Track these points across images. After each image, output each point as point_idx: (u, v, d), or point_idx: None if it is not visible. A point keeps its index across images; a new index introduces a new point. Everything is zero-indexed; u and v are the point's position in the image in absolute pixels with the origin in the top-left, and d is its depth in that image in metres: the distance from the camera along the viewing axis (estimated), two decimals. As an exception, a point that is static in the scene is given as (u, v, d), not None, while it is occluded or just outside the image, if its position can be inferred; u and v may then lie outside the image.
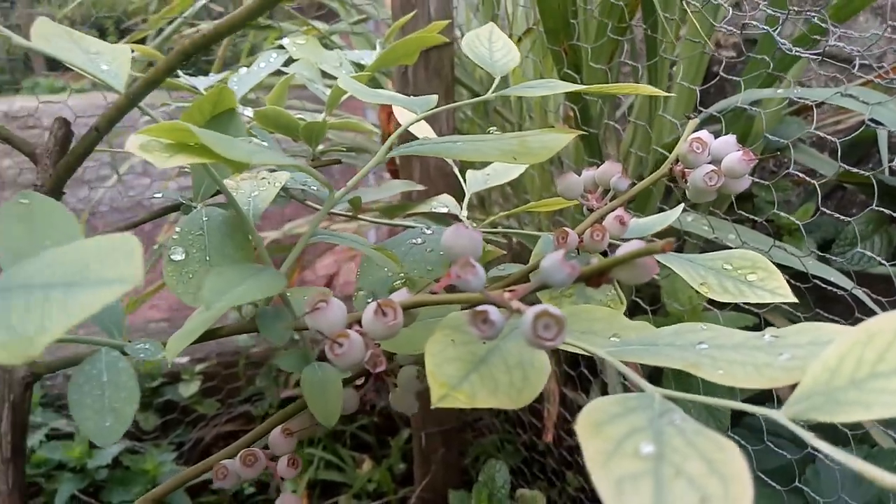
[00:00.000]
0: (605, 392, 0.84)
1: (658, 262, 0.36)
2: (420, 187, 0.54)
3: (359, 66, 0.66)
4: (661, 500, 0.19)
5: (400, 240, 0.42)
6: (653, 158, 0.71)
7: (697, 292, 0.83)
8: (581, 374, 0.89)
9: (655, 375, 0.83)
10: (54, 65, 3.31)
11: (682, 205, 0.46)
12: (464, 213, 0.48)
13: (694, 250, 0.78)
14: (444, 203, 0.50)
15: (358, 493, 1.19)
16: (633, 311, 0.87)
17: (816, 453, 0.67)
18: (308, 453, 1.24)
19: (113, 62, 0.34)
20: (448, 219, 0.49)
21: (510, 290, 0.24)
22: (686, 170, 0.38)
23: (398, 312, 0.25)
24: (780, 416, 0.22)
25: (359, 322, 0.26)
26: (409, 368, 0.38)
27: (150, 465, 1.02)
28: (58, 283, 0.19)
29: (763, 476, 0.68)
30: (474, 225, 0.46)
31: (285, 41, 0.63)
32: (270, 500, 1.21)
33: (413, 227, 0.44)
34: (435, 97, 0.40)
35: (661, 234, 0.37)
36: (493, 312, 0.22)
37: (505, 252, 0.43)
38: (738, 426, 0.81)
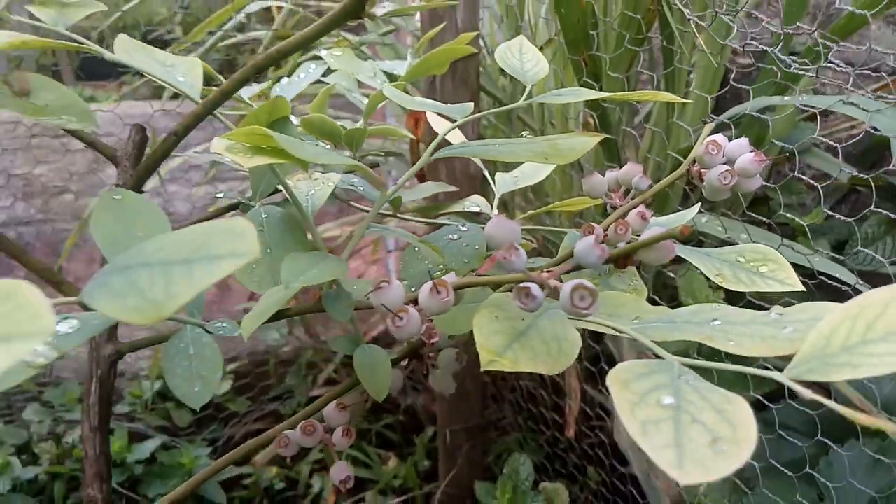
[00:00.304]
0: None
1: (678, 257, 0.40)
2: (452, 188, 0.57)
3: (391, 77, 0.70)
4: (680, 440, 0.22)
5: (438, 235, 0.46)
6: (670, 163, 0.75)
7: (714, 289, 0.86)
8: (602, 371, 0.93)
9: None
10: (81, 76, 3.39)
11: (699, 204, 0.49)
12: (495, 212, 0.51)
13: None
14: (475, 203, 0.54)
15: (384, 489, 1.23)
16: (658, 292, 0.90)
17: (830, 444, 0.70)
18: (336, 451, 1.28)
19: (187, 74, 0.38)
20: (479, 218, 0.53)
21: (547, 272, 0.27)
22: (702, 170, 0.42)
23: (450, 291, 0.28)
24: (783, 377, 0.26)
25: (415, 301, 0.29)
26: (449, 351, 0.42)
27: (187, 459, 1.07)
28: (177, 261, 0.23)
29: (777, 465, 0.71)
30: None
31: (323, 53, 0.67)
32: (299, 496, 1.25)
33: (449, 224, 0.48)
34: (471, 105, 0.44)
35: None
36: (535, 288, 0.26)
37: (535, 245, 0.47)
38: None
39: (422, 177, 0.97)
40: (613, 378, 0.24)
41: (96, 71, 3.49)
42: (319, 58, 0.69)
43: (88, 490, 0.36)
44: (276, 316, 0.34)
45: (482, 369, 0.27)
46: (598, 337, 0.97)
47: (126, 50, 0.38)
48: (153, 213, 0.33)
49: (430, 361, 0.42)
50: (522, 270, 0.27)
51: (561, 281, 0.26)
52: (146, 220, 0.33)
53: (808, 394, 0.25)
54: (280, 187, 0.43)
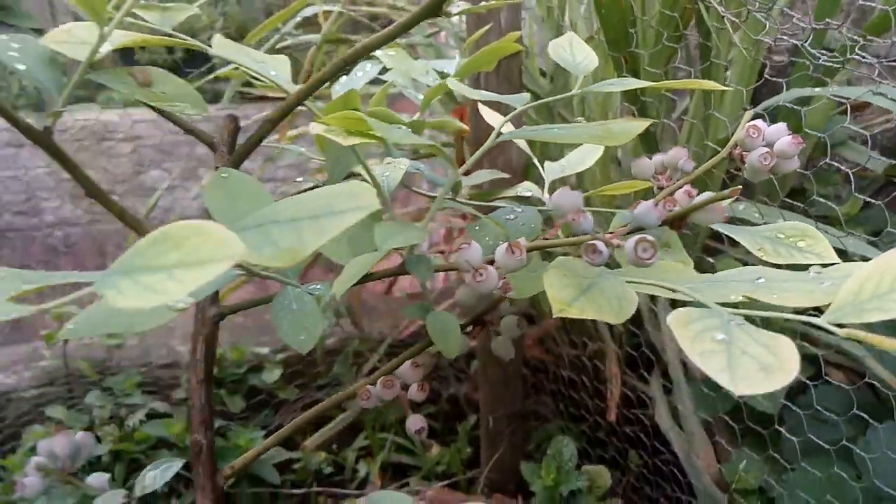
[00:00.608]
0: (665, 374, 0.90)
1: (721, 234, 0.43)
2: (505, 175, 0.62)
3: (441, 74, 0.75)
4: (732, 365, 0.26)
5: (496, 215, 0.50)
6: (708, 153, 0.78)
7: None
8: (643, 356, 0.96)
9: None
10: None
11: (739, 186, 0.53)
12: (547, 196, 0.56)
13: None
14: (527, 188, 0.58)
15: (427, 474, 1.28)
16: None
17: (868, 420, 0.72)
18: (381, 438, 1.33)
19: (278, 69, 0.43)
20: (531, 201, 0.57)
21: (609, 234, 0.32)
22: (744, 153, 0.46)
23: (523, 251, 0.33)
24: (822, 321, 0.29)
25: (491, 262, 0.34)
26: (511, 318, 0.46)
27: (243, 440, 1.12)
28: (304, 217, 0.28)
29: (816, 441, 0.74)
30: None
31: (379, 53, 0.72)
32: (346, 480, 1.30)
33: (504, 207, 0.52)
34: (527, 95, 0.48)
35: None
36: (601, 245, 0.30)
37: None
38: (793, 402, 0.87)
39: (462, 163, 1.02)
40: (674, 320, 0.28)
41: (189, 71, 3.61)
42: (374, 58, 0.74)
43: (195, 435, 0.41)
44: (364, 279, 0.39)
45: (553, 316, 0.31)
46: (639, 325, 1.00)
47: (224, 47, 0.43)
48: (254, 187, 0.38)
49: (493, 328, 0.47)
50: (589, 231, 0.31)
51: (627, 237, 0.30)
52: (248, 193, 0.38)
53: (843, 333, 0.29)
54: (357, 170, 0.48)
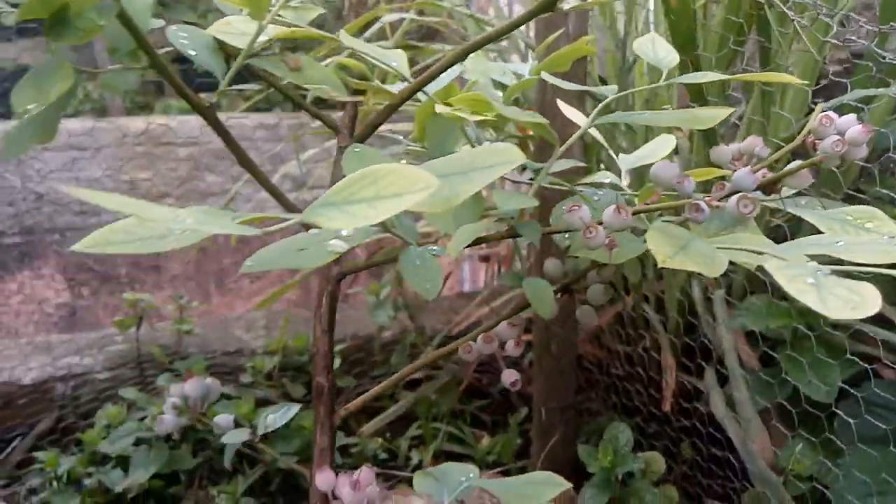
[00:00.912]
0: (721, 363, 0.94)
1: (792, 214, 0.47)
2: (583, 164, 0.67)
3: (516, 75, 0.80)
4: (823, 299, 0.31)
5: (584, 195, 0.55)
6: (771, 148, 0.82)
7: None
8: (695, 347, 1.00)
9: (768, 356, 0.92)
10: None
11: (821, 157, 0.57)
12: (625, 182, 0.60)
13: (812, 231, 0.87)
14: (606, 175, 0.62)
15: (478, 463, 1.32)
16: (745, 291, 0.97)
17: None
18: (434, 427, 1.37)
19: (398, 60, 0.49)
20: (608, 186, 0.62)
21: (708, 197, 0.36)
22: (816, 140, 0.50)
23: (629, 212, 0.37)
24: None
25: (600, 222, 0.38)
26: (598, 286, 0.51)
27: (307, 422, 1.18)
28: (455, 173, 0.33)
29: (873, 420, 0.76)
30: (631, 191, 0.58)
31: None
32: (398, 467, 1.35)
33: (584, 191, 0.57)
34: (615, 87, 0.53)
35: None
36: (703, 204, 0.34)
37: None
38: (846, 398, 0.89)
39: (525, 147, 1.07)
40: (772, 267, 0.33)
41: (193, 84, 3.74)
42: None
43: (318, 378, 0.47)
44: (476, 242, 0.44)
45: (658, 266, 0.35)
46: (692, 328, 1.04)
47: (351, 40, 0.49)
48: (381, 158, 0.44)
49: (580, 297, 0.51)
50: (690, 194, 0.36)
51: (722, 201, 0.35)
52: (377, 162, 0.43)
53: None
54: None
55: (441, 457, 1.36)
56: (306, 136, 2.01)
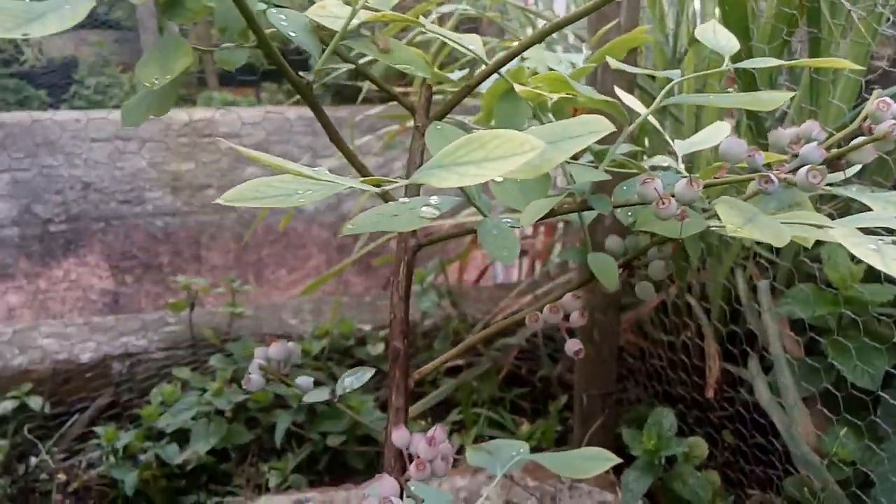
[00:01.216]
0: (765, 351, 0.95)
1: (842, 202, 0.49)
2: (638, 148, 0.69)
3: (572, 64, 0.83)
4: (885, 262, 0.33)
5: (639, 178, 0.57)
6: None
7: (855, 263, 0.94)
8: (738, 337, 1.01)
9: (812, 344, 0.93)
10: (225, 81, 3.71)
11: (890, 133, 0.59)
12: (681, 166, 0.63)
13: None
14: (664, 159, 0.65)
15: (519, 448, 1.35)
16: (790, 281, 0.98)
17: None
18: (475, 413, 1.41)
19: (475, 44, 0.52)
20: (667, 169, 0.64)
21: (777, 169, 0.39)
22: (872, 125, 0.52)
23: (700, 184, 0.40)
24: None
25: (672, 195, 0.41)
26: (658, 262, 0.53)
27: (355, 402, 1.22)
28: (546, 142, 0.35)
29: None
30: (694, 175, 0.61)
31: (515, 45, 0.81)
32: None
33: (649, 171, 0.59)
34: (678, 71, 0.55)
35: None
36: (773, 176, 0.37)
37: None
38: (890, 387, 0.90)
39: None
40: (838, 235, 0.35)
41: (235, 78, 3.82)
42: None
43: (394, 342, 0.50)
44: (548, 215, 0.46)
45: (728, 234, 0.38)
46: (736, 317, 1.05)
47: (432, 27, 0.52)
48: (461, 134, 0.47)
49: (641, 272, 0.54)
50: (760, 167, 0.38)
51: (792, 174, 0.37)
52: (457, 138, 0.46)
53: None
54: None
55: (481, 441, 1.39)
56: (344, 132, 2.05)
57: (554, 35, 1.29)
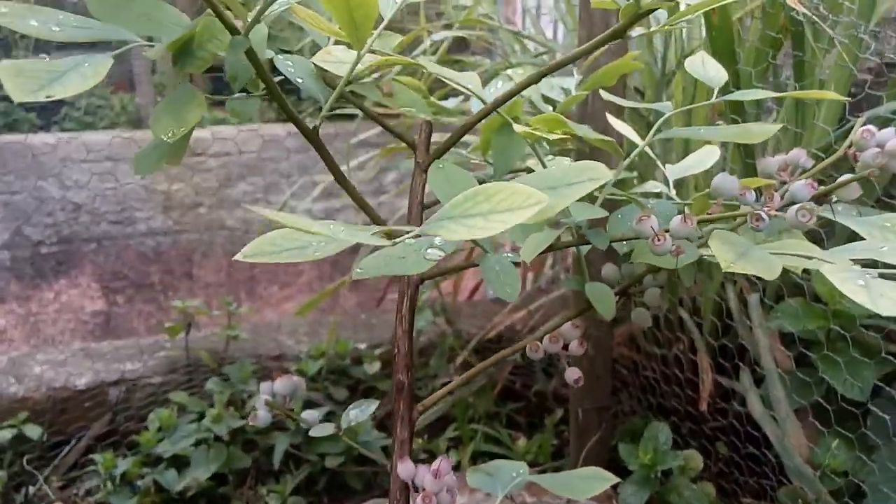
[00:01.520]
0: (757, 364, 0.97)
1: (826, 219, 0.51)
2: (634, 175, 0.71)
3: (564, 90, 0.84)
4: (873, 299, 0.34)
5: (634, 207, 0.59)
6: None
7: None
8: (730, 350, 1.03)
9: (802, 357, 0.95)
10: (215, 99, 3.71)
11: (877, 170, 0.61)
12: (673, 192, 0.64)
13: (843, 234, 0.90)
14: (656, 185, 0.67)
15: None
16: (779, 294, 1.00)
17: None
18: (471, 429, 1.42)
19: (472, 82, 0.53)
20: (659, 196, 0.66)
21: (767, 206, 0.40)
22: (857, 152, 0.54)
23: (694, 221, 0.42)
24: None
25: (666, 231, 0.43)
26: (654, 290, 0.55)
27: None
28: (543, 188, 0.37)
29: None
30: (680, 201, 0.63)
31: (509, 72, 0.82)
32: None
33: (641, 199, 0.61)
34: (670, 104, 0.57)
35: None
36: (764, 214, 0.39)
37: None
38: (880, 397, 0.92)
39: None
40: (828, 270, 0.37)
41: (223, 92, 3.82)
42: (506, 76, 0.84)
43: (398, 376, 0.51)
44: (548, 249, 0.48)
45: (723, 270, 0.39)
46: (728, 331, 1.07)
47: (433, 66, 0.53)
48: (463, 174, 0.48)
49: (637, 300, 0.56)
50: (752, 204, 0.40)
51: (781, 210, 0.39)
52: (459, 177, 0.48)
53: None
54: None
55: (479, 457, 1.40)
56: (336, 147, 2.06)
57: (546, 58, 1.31)
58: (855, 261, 0.42)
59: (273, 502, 1.23)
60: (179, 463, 1.22)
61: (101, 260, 3.12)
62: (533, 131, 0.45)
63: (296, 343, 1.53)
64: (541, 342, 0.53)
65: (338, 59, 0.47)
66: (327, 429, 0.57)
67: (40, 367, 1.43)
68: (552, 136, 0.44)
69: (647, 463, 0.96)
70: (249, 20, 0.40)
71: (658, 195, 0.66)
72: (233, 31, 0.42)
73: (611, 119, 0.72)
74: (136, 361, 1.47)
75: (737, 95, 0.52)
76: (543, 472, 1.33)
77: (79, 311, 3.18)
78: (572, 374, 0.54)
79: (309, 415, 0.58)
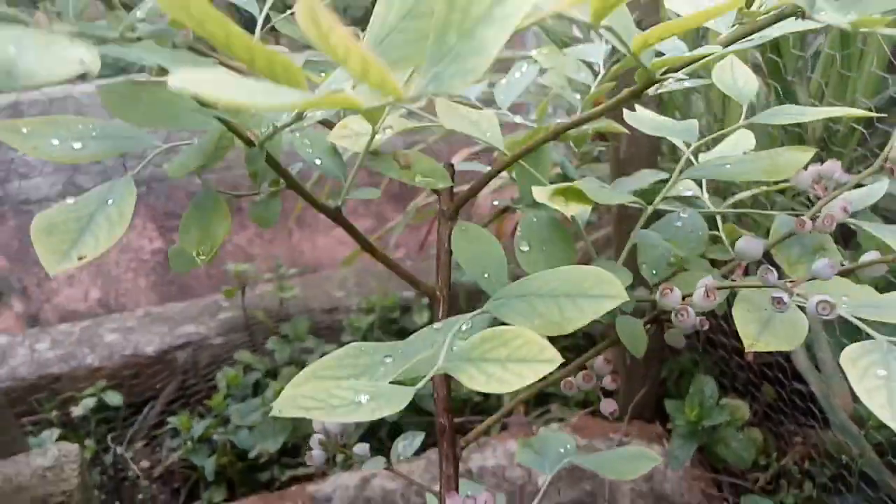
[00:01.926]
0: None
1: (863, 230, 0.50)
2: (665, 175, 0.69)
3: (591, 69, 0.81)
4: (892, 401, 0.35)
5: (664, 224, 0.58)
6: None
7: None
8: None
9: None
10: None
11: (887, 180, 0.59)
12: (705, 196, 0.63)
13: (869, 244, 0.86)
14: (688, 188, 0.65)
15: (568, 403, 1.41)
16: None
17: None
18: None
19: (490, 129, 0.53)
20: (692, 199, 0.65)
21: (791, 282, 0.40)
22: (894, 167, 0.52)
23: (716, 295, 0.42)
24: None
25: (688, 298, 0.43)
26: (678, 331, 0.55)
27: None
28: (562, 294, 0.38)
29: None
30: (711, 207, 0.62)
31: (533, 52, 0.79)
32: (492, 408, 1.45)
33: (672, 211, 0.60)
34: (694, 121, 0.56)
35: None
36: (786, 297, 0.38)
37: (744, 232, 0.58)
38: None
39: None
40: (845, 357, 0.37)
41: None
42: (530, 58, 0.81)
43: (440, 420, 0.54)
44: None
45: (745, 352, 0.40)
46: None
47: (446, 115, 0.52)
48: (485, 235, 0.49)
49: (668, 325, 0.56)
50: (774, 284, 0.40)
51: (802, 292, 0.39)
52: (482, 239, 0.49)
53: None
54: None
55: (531, 398, 1.45)
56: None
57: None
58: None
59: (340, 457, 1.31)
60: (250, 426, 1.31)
61: (152, 201, 3.21)
62: (555, 206, 0.44)
63: (346, 295, 1.58)
64: (573, 378, 0.55)
65: (354, 132, 0.47)
66: (378, 463, 0.60)
67: (110, 336, 1.52)
68: (572, 212, 0.44)
69: (693, 419, 0.99)
70: (262, 135, 0.40)
71: (689, 199, 0.65)
72: (248, 143, 0.42)
73: (627, 114, 0.70)
74: (198, 324, 1.55)
75: (758, 119, 0.50)
76: (594, 413, 1.39)
77: (139, 250, 3.31)
78: (608, 405, 0.56)
79: (360, 448, 0.61)
